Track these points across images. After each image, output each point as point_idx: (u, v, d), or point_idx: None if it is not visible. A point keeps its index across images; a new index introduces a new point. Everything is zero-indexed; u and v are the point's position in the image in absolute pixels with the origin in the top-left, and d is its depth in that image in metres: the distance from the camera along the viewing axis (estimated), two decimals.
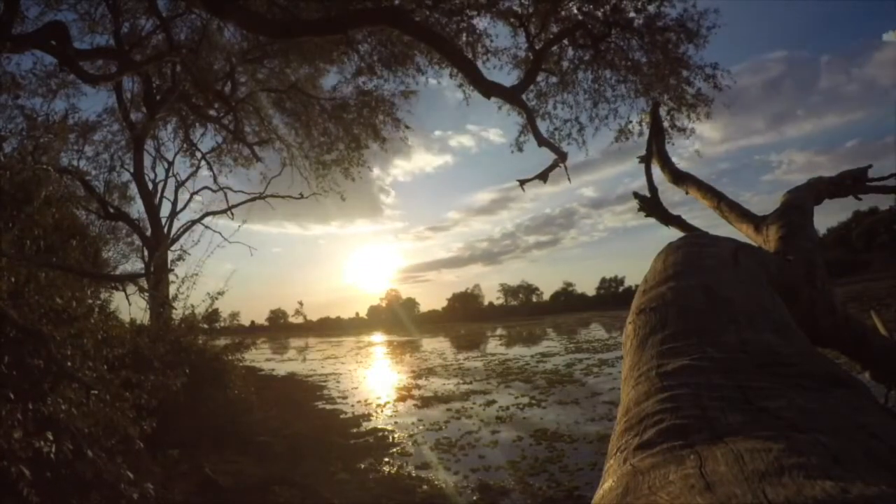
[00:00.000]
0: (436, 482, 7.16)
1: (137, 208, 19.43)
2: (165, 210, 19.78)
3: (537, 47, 10.32)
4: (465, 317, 74.69)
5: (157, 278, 10.71)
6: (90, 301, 6.81)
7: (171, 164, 19.94)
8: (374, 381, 19.70)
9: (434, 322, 75.36)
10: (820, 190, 3.39)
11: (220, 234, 18.36)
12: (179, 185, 20.27)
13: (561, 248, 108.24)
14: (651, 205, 3.90)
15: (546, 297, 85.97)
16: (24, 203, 4.94)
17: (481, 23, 10.44)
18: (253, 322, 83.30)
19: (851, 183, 3.56)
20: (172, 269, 10.08)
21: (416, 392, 15.22)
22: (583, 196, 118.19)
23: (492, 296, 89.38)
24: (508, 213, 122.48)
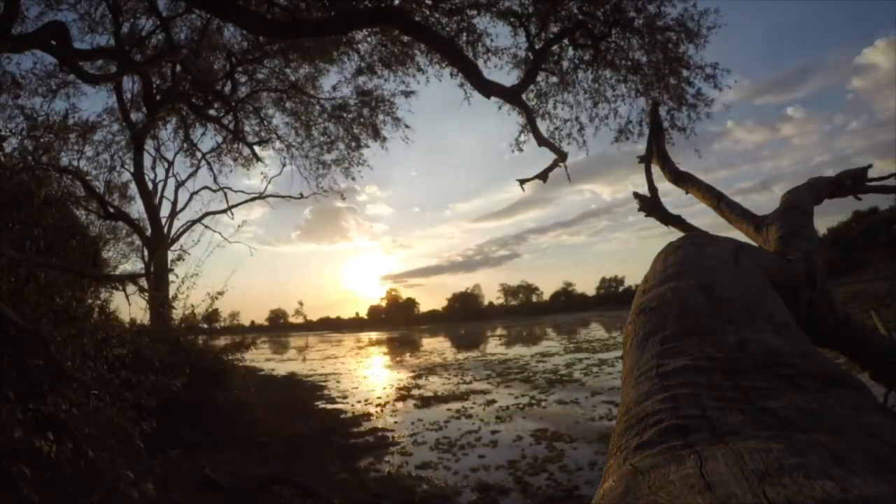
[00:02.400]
0: (436, 482, 7.16)
1: (137, 208, 19.45)
2: (165, 210, 19.82)
3: (537, 47, 10.31)
4: (466, 316, 74.70)
5: (157, 278, 10.72)
6: (90, 301, 6.82)
7: (171, 164, 19.97)
8: (374, 380, 19.70)
9: (434, 322, 75.35)
10: (820, 190, 3.39)
11: (220, 233, 18.44)
12: (179, 185, 20.30)
13: (521, 260, 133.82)
14: (651, 205, 3.89)
15: (546, 296, 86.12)
16: (24, 203, 4.94)
17: (481, 22, 10.44)
18: (253, 322, 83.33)
19: (851, 183, 3.56)
20: (172, 269, 10.08)
21: (416, 392, 15.22)
22: (525, 226, 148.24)
23: (492, 296, 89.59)
24: (468, 237, 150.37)
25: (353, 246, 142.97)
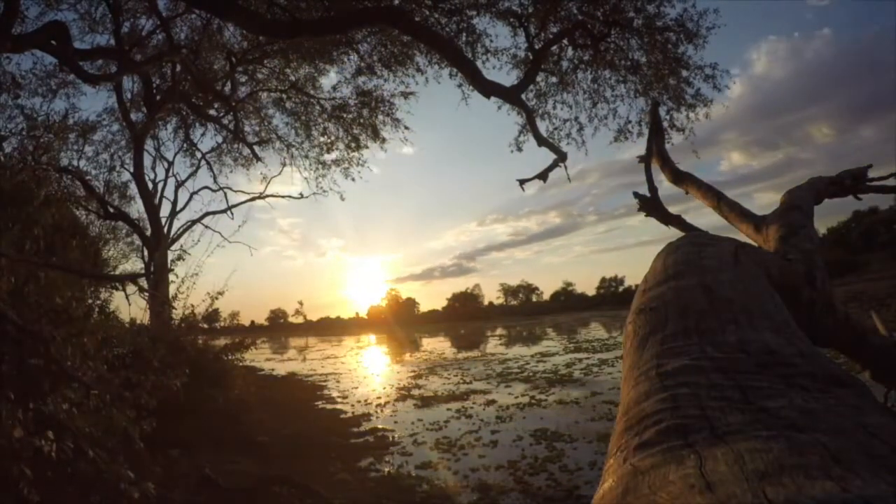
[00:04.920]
0: (436, 482, 7.16)
1: (137, 208, 19.46)
2: (165, 210, 19.83)
3: (537, 47, 10.32)
4: (465, 316, 74.64)
5: (157, 278, 10.72)
6: (90, 301, 6.82)
7: (171, 164, 19.99)
8: (374, 380, 19.70)
9: (434, 321, 75.39)
10: (820, 190, 3.39)
11: (220, 233, 18.46)
12: (179, 184, 20.31)
13: (491, 269, 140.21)
14: (651, 204, 3.89)
15: (546, 296, 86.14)
16: (24, 203, 4.94)
17: (481, 23, 10.45)
18: (253, 322, 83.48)
19: (851, 183, 3.55)
20: (172, 269, 10.08)
21: (416, 392, 15.22)
22: (480, 245, 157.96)
23: (492, 296, 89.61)
24: (442, 254, 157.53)
25: (354, 258, 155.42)
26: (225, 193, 20.22)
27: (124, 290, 6.70)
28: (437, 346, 34.73)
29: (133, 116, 16.65)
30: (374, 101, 14.39)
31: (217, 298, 10.72)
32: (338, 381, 19.38)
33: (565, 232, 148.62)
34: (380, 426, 10.94)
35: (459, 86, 11.13)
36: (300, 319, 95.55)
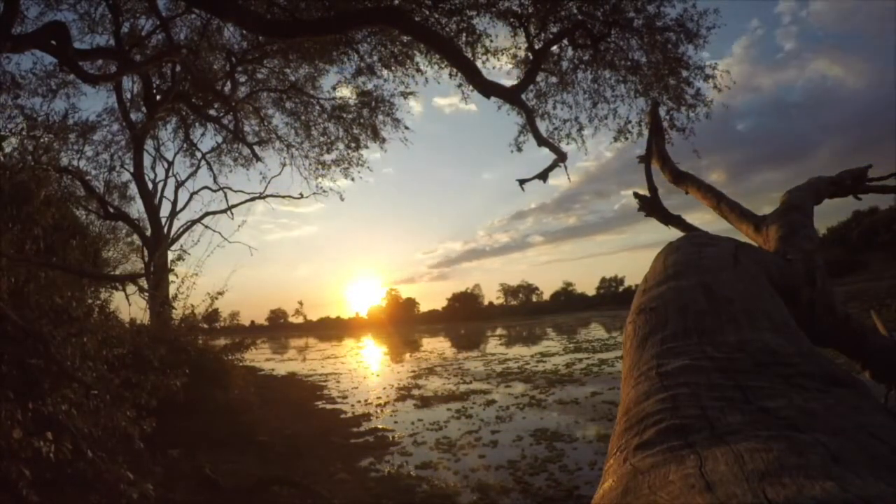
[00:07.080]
0: (436, 482, 7.16)
1: (137, 208, 19.47)
2: (165, 210, 19.81)
3: (537, 47, 10.32)
4: (466, 316, 74.62)
5: (157, 278, 10.71)
6: (90, 301, 6.82)
7: (170, 164, 19.97)
8: (374, 380, 19.70)
9: (434, 322, 75.38)
10: (820, 190, 3.38)
11: (220, 233, 18.46)
12: (179, 185, 20.29)
13: (467, 275, 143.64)
14: (651, 205, 3.89)
15: (546, 296, 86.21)
16: (24, 203, 4.93)
17: (481, 23, 10.46)
18: (253, 322, 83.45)
19: (851, 183, 3.55)
20: (172, 269, 10.08)
21: (416, 392, 15.22)
22: (452, 254, 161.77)
23: (492, 295, 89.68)
24: (420, 263, 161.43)
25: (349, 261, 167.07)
26: (225, 193, 20.23)
27: (124, 290, 6.71)
28: (436, 346, 34.72)
29: (133, 116, 16.67)
30: (374, 100, 14.40)
31: (217, 298, 10.73)
32: (338, 381, 19.38)
33: (520, 249, 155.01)
34: (380, 426, 10.94)
35: (459, 86, 11.15)
36: (300, 319, 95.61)
